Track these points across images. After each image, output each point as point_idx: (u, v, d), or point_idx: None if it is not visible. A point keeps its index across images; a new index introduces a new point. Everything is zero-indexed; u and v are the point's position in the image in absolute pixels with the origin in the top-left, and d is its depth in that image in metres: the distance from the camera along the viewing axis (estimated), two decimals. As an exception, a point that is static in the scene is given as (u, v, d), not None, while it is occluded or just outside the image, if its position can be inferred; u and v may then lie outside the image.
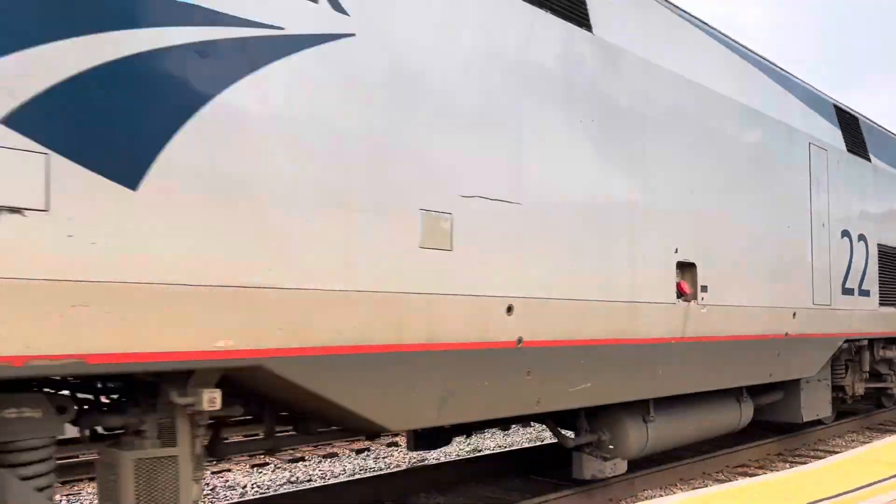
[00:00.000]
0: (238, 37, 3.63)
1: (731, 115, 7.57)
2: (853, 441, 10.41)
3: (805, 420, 9.18)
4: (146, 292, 3.27)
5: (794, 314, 8.42)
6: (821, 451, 9.63)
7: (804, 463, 8.35)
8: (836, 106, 10.00)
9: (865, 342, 10.46)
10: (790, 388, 9.03)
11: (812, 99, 9.38)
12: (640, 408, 6.70)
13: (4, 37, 2.93)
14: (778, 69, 8.85)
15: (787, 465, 8.66)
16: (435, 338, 4.53)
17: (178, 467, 3.69)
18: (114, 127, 3.21)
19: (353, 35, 4.13)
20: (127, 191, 3.24)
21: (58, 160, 3.04)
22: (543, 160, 5.35)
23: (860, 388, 10.59)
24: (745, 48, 8.27)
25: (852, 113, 10.46)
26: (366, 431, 5.21)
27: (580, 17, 5.78)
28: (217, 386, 3.70)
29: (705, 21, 7.63)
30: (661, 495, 7.12)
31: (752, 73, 8.21)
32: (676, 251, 6.66)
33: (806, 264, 8.69)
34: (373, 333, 4.19)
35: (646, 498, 7.07)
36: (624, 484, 7.08)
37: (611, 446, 6.65)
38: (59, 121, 3.05)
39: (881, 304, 10.48)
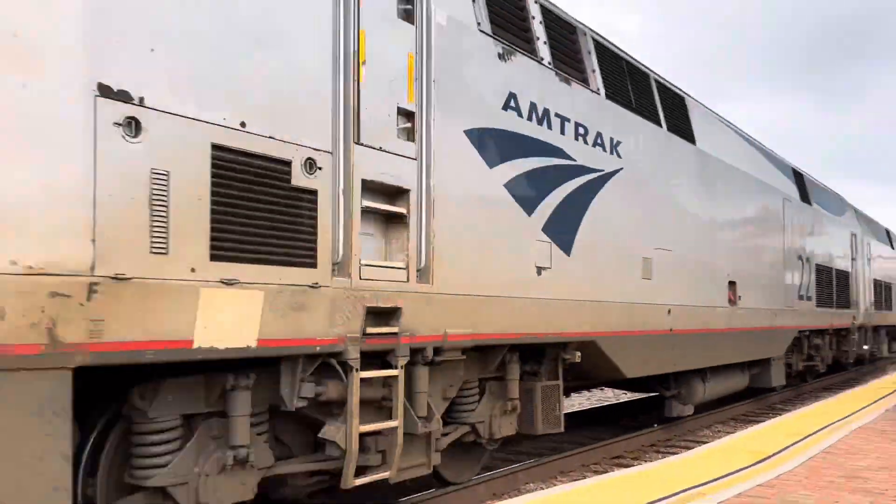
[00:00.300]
0: (599, 172, 7.64)
1: (752, 186, 11.89)
2: (719, 431, 10.97)
3: (773, 385, 12.88)
4: (572, 304, 7.10)
5: (776, 314, 12.60)
6: (690, 441, 10.05)
7: (676, 453, 8.75)
8: (792, 168, 14.73)
9: (807, 332, 14.90)
10: (764, 364, 12.59)
11: (782, 165, 14.05)
12: (700, 373, 10.34)
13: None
14: (766, 148, 13.42)
15: (661, 456, 9.01)
16: (644, 327, 8.39)
17: (559, 391, 7.31)
18: (566, 223, 7.06)
19: (622, 168, 8.08)
20: (566, 256, 7.05)
21: (552, 245, 6.81)
22: (681, 225, 9.41)
23: (800, 365, 14.87)
24: (753, 138, 12.81)
25: (800, 171, 15.27)
26: (612, 379, 9.26)
27: (691, 138, 9.89)
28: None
29: (734, 123, 12.02)
30: (543, 488, 7.28)
31: (758, 155, 12.73)
32: (728, 275, 10.60)
33: (782, 280, 13.11)
34: (623, 324, 7.95)
35: (528, 491, 7.21)
36: (507, 477, 7.20)
37: (686, 396, 10.29)
38: (554, 226, 6.86)
39: (817, 306, 15.12)
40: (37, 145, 3.20)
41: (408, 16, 5.30)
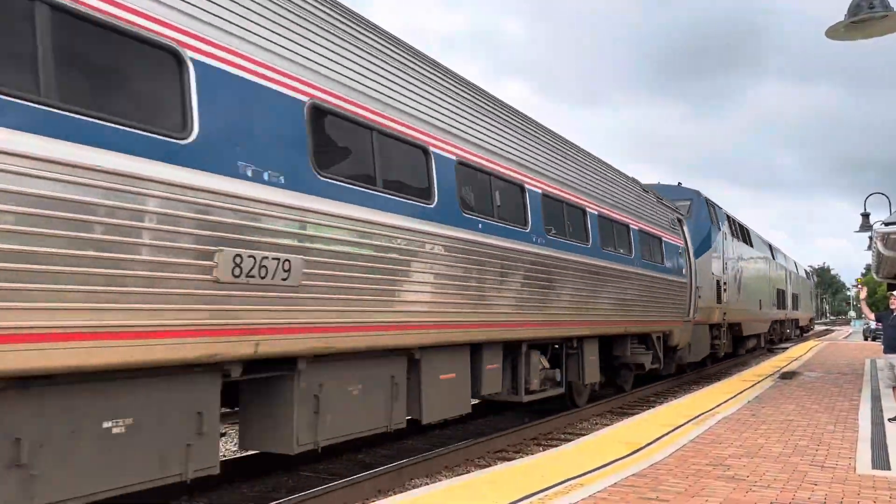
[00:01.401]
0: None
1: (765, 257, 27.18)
2: (597, 424, 11.37)
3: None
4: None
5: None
6: (570, 434, 10.35)
7: (556, 446, 9.02)
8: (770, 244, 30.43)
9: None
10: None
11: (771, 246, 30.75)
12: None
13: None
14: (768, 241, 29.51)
15: (541, 449, 9.23)
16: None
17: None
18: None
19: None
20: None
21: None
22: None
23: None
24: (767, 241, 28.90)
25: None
26: None
27: (749, 242, 24.63)
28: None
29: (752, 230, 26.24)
30: (428, 483, 7.35)
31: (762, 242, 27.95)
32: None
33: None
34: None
35: (413, 486, 7.26)
36: (392, 474, 7.22)
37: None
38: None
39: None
40: None
41: None
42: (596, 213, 11.15)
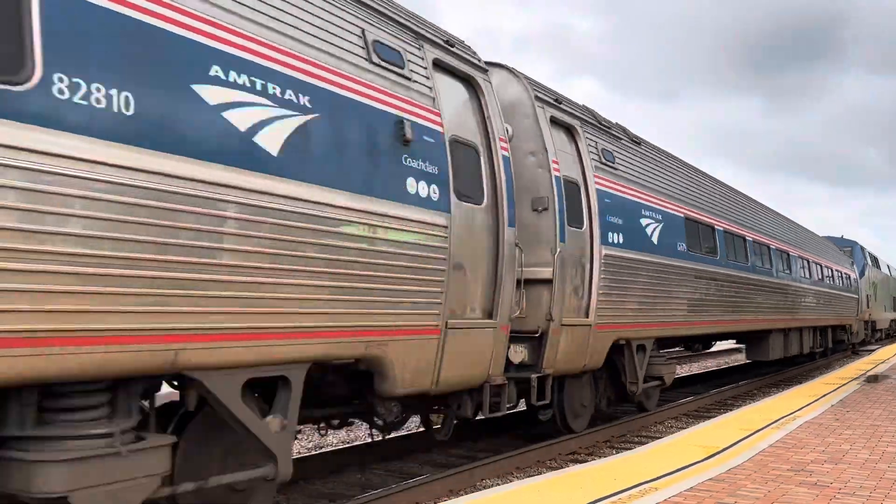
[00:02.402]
0: None
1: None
2: (672, 427, 11.16)
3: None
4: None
5: None
6: (644, 437, 10.18)
7: (629, 449, 8.87)
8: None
9: None
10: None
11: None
12: None
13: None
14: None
15: (614, 452, 9.08)
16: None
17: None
18: None
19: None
20: None
21: None
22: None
23: None
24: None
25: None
26: None
27: (878, 267, 35.67)
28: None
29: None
30: (499, 483, 7.33)
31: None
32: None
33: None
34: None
35: (484, 487, 7.26)
36: (464, 474, 7.23)
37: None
38: None
39: None
40: None
41: None
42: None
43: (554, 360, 8.15)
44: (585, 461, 8.30)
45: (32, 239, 3.49)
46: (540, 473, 7.45)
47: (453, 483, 7.00)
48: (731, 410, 11.35)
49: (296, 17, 5.10)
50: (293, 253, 4.75)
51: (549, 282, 8.03)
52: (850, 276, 26.58)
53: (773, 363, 18.17)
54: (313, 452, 8.42)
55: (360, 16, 5.81)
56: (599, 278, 8.83)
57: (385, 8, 6.20)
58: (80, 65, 3.71)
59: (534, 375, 7.78)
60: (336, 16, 5.53)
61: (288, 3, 5.07)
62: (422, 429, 8.82)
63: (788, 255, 17.63)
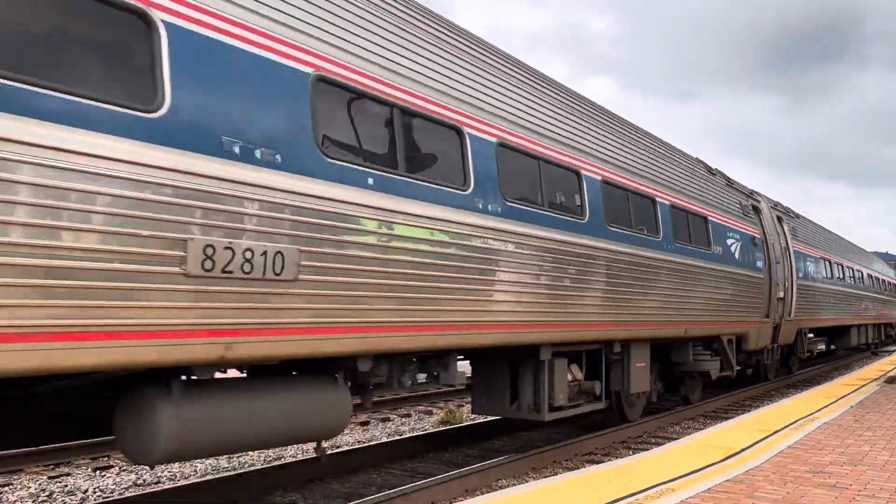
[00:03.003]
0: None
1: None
2: (689, 428, 11.09)
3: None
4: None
5: None
6: (661, 438, 10.12)
7: (646, 450, 8.83)
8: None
9: None
10: None
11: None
12: None
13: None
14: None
15: (631, 453, 9.05)
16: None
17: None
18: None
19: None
20: None
21: None
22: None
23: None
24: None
25: None
26: None
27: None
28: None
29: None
30: (515, 483, 7.33)
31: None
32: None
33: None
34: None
35: (500, 487, 7.25)
36: (480, 474, 7.23)
37: None
38: None
39: None
40: None
41: None
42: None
43: (781, 338, 15.81)
44: (602, 461, 8.28)
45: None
46: (556, 474, 7.44)
47: (469, 483, 7.01)
48: (748, 411, 11.27)
49: (718, 195, 12.94)
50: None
51: (781, 299, 15.52)
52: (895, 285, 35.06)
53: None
54: (330, 452, 8.45)
55: (736, 194, 14.12)
56: (797, 295, 16.61)
57: (742, 188, 15.08)
58: None
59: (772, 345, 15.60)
60: (730, 195, 13.65)
61: (713, 192, 12.83)
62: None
63: (862, 273, 26.21)
